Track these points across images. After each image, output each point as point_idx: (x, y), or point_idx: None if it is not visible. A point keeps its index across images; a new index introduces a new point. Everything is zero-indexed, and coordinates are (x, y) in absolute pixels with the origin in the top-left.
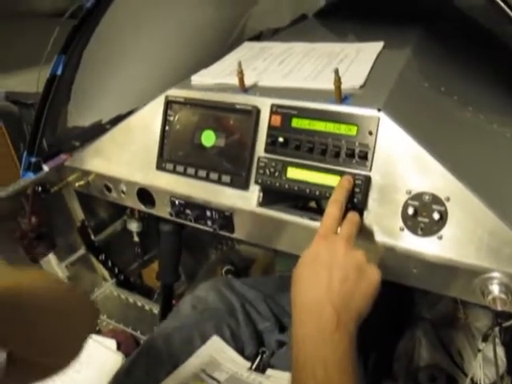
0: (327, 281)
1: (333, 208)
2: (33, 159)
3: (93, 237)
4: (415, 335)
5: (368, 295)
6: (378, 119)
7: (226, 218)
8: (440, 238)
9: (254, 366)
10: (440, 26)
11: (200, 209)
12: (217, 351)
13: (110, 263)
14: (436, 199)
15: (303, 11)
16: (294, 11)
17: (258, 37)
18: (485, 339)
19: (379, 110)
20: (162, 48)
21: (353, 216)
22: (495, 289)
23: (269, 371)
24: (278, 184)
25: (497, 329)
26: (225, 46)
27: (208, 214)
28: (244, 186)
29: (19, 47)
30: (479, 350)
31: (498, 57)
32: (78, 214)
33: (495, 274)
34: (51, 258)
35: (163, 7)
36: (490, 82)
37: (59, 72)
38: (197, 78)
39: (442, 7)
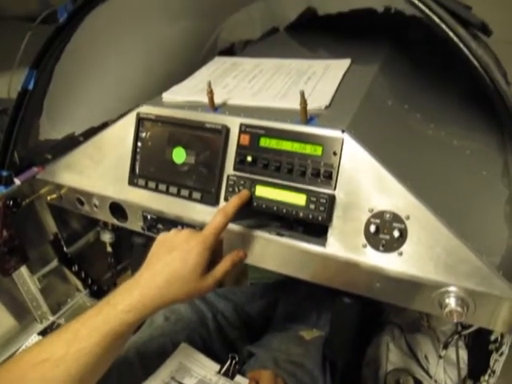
0: None
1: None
2: (4, 173)
3: (65, 248)
4: (384, 340)
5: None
6: (342, 140)
7: None
8: (400, 254)
9: (223, 370)
10: (408, 42)
11: (172, 223)
12: (186, 357)
13: (83, 274)
14: (396, 217)
15: (274, 24)
16: (265, 24)
17: (231, 48)
18: (445, 346)
19: (343, 131)
20: (133, 61)
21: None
22: (452, 302)
23: (238, 378)
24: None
25: (456, 336)
26: (198, 57)
27: (179, 228)
28: (214, 202)
29: None
30: (441, 357)
31: (460, 73)
32: (51, 226)
33: (452, 289)
34: (23, 270)
35: (134, 22)
36: (453, 98)
37: (31, 86)
38: (168, 96)
39: (411, 24)
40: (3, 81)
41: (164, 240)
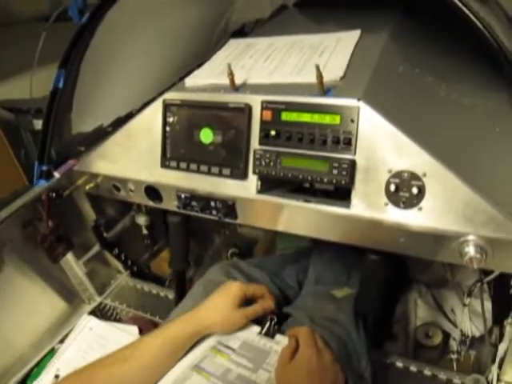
0: None
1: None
2: (44, 167)
3: (105, 234)
4: (411, 297)
5: None
6: (358, 108)
7: (229, 207)
8: (420, 209)
9: (263, 331)
10: (415, 7)
11: (205, 200)
12: None
13: (123, 256)
14: (414, 176)
15: (283, 1)
16: (274, 2)
17: (242, 29)
18: (469, 294)
19: (359, 99)
20: (150, 52)
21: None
22: (471, 250)
23: (278, 337)
24: (273, 173)
25: (479, 284)
26: (210, 41)
27: (212, 204)
28: (243, 176)
29: (7, 54)
30: (465, 305)
31: (467, 33)
32: (90, 214)
33: (470, 237)
34: (69, 257)
35: (148, 15)
36: (462, 59)
37: (61, 85)
38: (190, 80)
39: None
40: (24, 82)
41: None
